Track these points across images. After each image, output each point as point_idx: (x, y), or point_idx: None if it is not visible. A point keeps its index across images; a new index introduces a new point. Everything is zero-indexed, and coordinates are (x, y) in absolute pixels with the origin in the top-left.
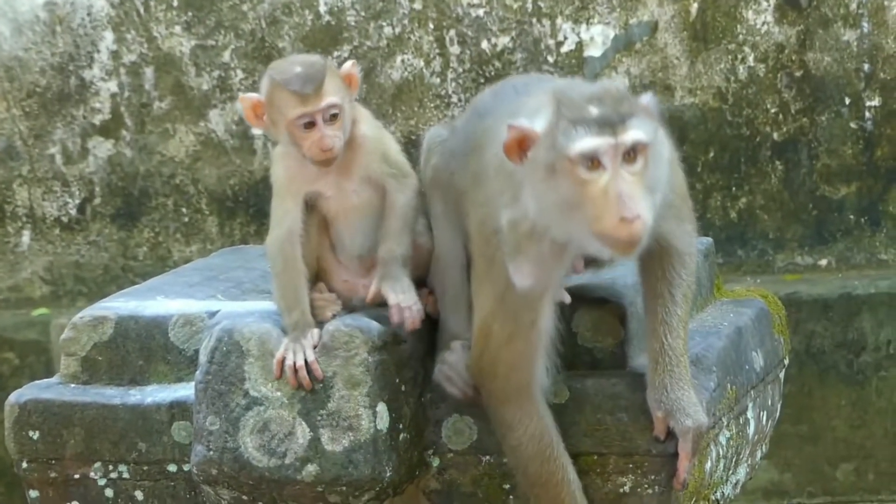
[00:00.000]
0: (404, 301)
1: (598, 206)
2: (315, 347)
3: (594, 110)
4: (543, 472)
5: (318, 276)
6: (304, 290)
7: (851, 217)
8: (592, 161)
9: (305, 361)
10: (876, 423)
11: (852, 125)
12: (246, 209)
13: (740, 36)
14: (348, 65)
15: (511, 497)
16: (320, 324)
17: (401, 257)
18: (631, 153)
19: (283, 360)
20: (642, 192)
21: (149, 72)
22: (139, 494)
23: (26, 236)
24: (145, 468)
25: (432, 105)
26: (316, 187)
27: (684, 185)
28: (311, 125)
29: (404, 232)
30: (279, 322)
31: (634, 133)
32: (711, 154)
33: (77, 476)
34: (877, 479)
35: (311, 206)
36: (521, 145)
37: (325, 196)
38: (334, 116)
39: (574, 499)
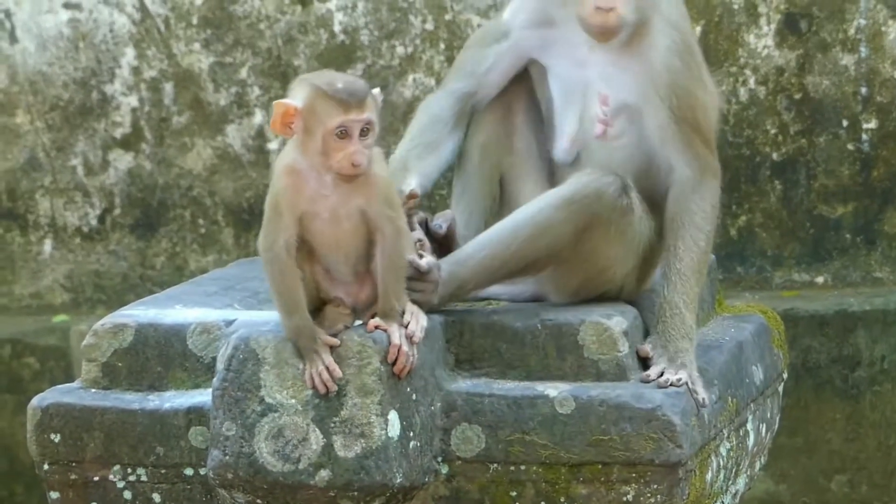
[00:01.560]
0: (405, 346)
1: None
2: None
3: None
4: None
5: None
6: (302, 295)
7: (848, 236)
8: None
9: (326, 366)
10: (870, 436)
11: (849, 147)
12: (261, 221)
13: (742, 59)
14: (375, 91)
15: None
16: (332, 335)
17: (400, 309)
18: None
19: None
20: None
21: (168, 87)
22: (157, 497)
23: (48, 245)
24: (163, 471)
25: None
26: (314, 208)
27: (706, 114)
28: (345, 136)
29: (401, 283)
30: None
31: None
32: None
33: (97, 478)
34: (870, 490)
35: (305, 232)
36: None
37: (321, 217)
38: (367, 133)
39: None
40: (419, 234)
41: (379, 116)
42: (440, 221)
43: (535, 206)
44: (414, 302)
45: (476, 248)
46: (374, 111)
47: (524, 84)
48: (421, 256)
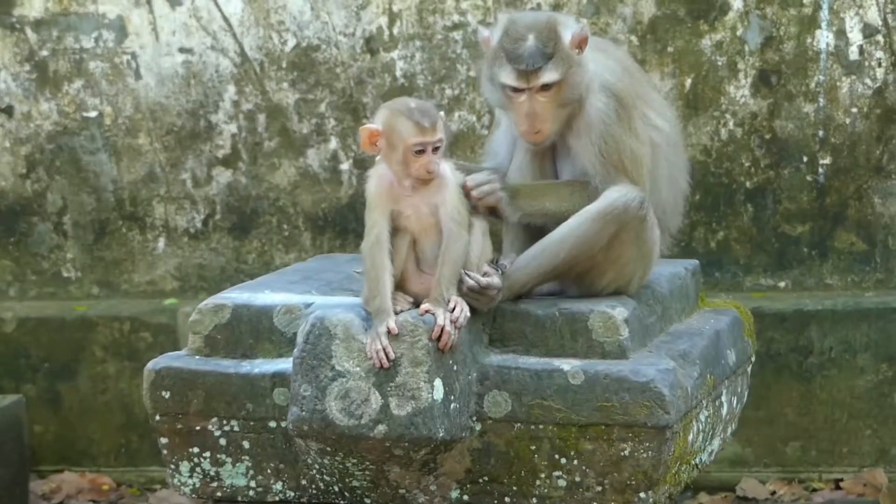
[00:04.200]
0: (447, 326)
1: (517, 116)
2: (390, 332)
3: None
4: None
5: (398, 286)
6: (386, 283)
7: (805, 250)
8: (514, 89)
9: (383, 346)
10: (818, 411)
11: (808, 178)
12: (333, 227)
13: (723, 105)
14: (441, 114)
15: (536, 456)
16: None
17: (447, 297)
18: (544, 87)
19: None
20: (551, 109)
21: (261, 118)
22: (246, 444)
23: (161, 243)
24: (251, 424)
25: (481, 152)
26: (399, 206)
27: (633, 157)
28: (421, 152)
29: (454, 278)
30: (360, 313)
31: (546, 77)
32: (697, 197)
33: (198, 428)
34: (818, 455)
35: (396, 228)
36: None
37: (406, 215)
38: (437, 149)
39: None
40: (487, 267)
41: (447, 132)
42: (505, 262)
43: (576, 220)
44: (471, 308)
45: (531, 257)
46: (443, 131)
47: None
48: (484, 274)
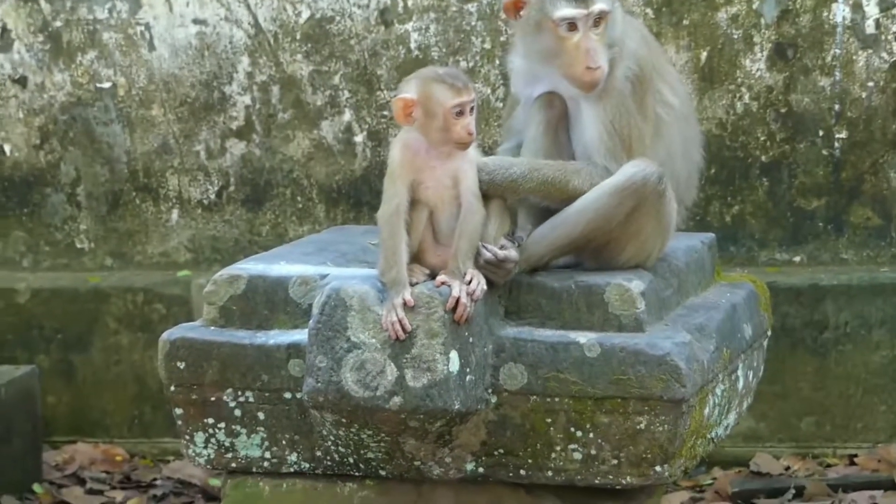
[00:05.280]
0: (463, 297)
1: (571, 57)
2: (406, 304)
3: None
4: None
5: (415, 258)
6: (403, 254)
7: (820, 224)
8: (570, 24)
9: (398, 318)
10: (833, 386)
11: (824, 152)
12: (347, 199)
13: (739, 79)
14: None
15: (552, 429)
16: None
17: (464, 270)
18: (597, 19)
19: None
20: (602, 48)
21: (275, 89)
22: (261, 415)
23: (175, 214)
24: (266, 395)
25: (496, 125)
26: (421, 177)
27: (639, 136)
28: (461, 114)
29: (471, 251)
30: (376, 284)
31: (601, 4)
32: (713, 170)
33: (213, 399)
34: (832, 430)
35: (415, 199)
36: (516, 6)
37: (426, 185)
38: (473, 111)
39: None
40: (503, 240)
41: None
42: (522, 234)
43: (595, 194)
44: (488, 280)
45: (548, 230)
46: (474, 91)
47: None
48: (501, 247)
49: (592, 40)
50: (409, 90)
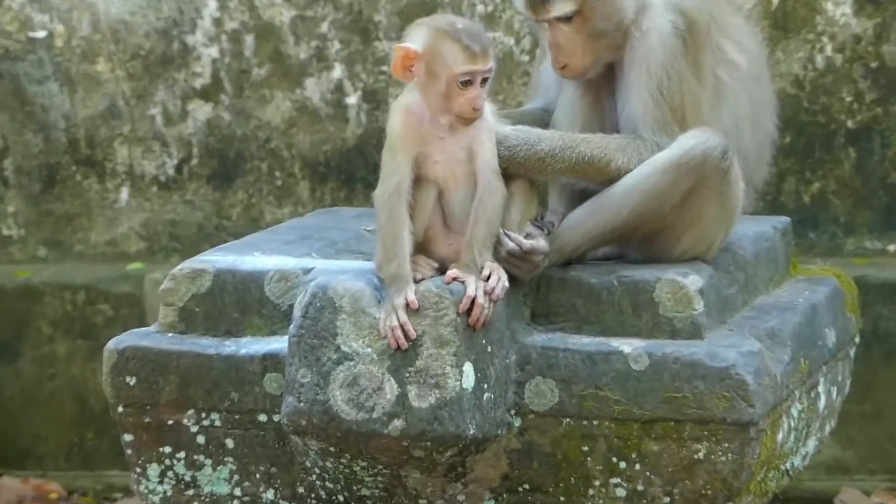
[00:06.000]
0: (479, 297)
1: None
2: (409, 305)
3: None
4: None
5: (420, 248)
6: (405, 243)
7: None
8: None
9: (400, 322)
10: None
11: None
12: (337, 175)
13: (819, 26)
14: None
15: (589, 459)
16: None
17: (480, 263)
18: (562, 18)
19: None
20: (578, 43)
21: (249, 39)
22: (230, 442)
23: (125, 193)
24: (237, 417)
25: (520, 82)
26: (427, 149)
27: (694, 103)
28: (468, 84)
29: (490, 240)
30: (372, 280)
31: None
32: (787, 139)
33: (170, 422)
34: None
35: (420, 175)
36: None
37: (434, 160)
38: (486, 80)
39: None
40: (530, 227)
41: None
42: (552, 219)
43: (644, 171)
44: (510, 276)
45: (587, 213)
46: (494, 59)
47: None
48: (527, 236)
49: (560, 34)
50: (415, 40)
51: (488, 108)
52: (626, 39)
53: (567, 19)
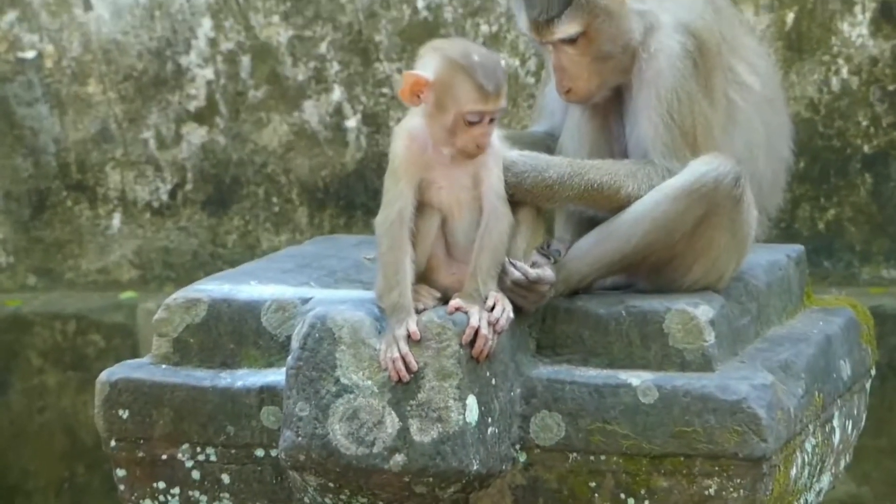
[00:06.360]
0: (483, 328)
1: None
2: (411, 336)
3: None
4: None
5: (422, 277)
6: (407, 272)
7: None
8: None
9: (401, 354)
10: None
11: None
12: (336, 201)
13: (835, 48)
14: (503, 63)
15: (597, 495)
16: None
17: (484, 293)
18: (567, 40)
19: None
20: (583, 65)
21: (245, 60)
22: (225, 478)
23: (117, 219)
24: (233, 452)
25: (525, 105)
26: (431, 175)
27: (705, 126)
28: (477, 122)
29: (495, 269)
30: (372, 311)
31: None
32: (802, 165)
33: (164, 457)
34: None
35: (423, 202)
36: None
37: (438, 186)
38: (495, 119)
39: None
40: (536, 256)
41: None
42: (559, 247)
43: (654, 198)
44: (515, 306)
45: (595, 241)
46: (506, 97)
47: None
48: (533, 265)
49: (565, 57)
50: (427, 67)
51: (495, 134)
52: (634, 62)
53: (572, 41)
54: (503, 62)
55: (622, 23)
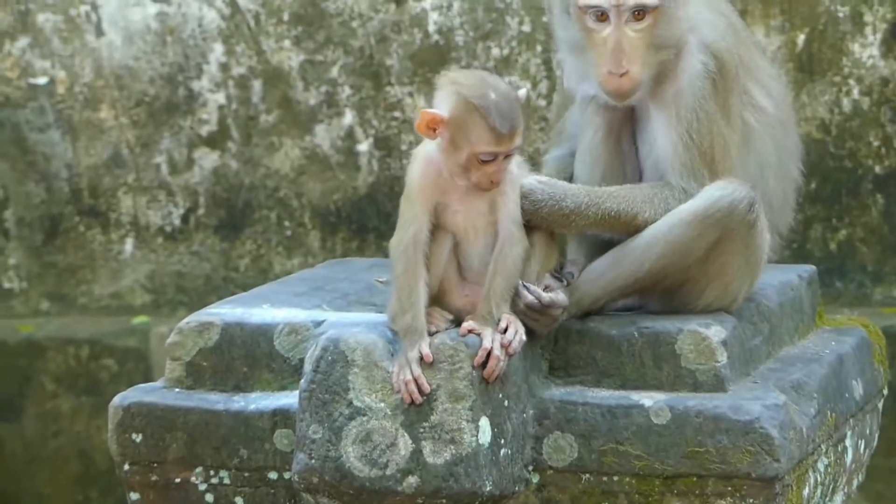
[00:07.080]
0: (496, 350)
1: (597, 55)
2: (423, 358)
3: None
4: None
5: (435, 299)
6: (421, 295)
7: None
8: (599, 14)
9: (414, 376)
10: None
11: None
12: (349, 224)
13: (846, 68)
14: (522, 92)
15: None
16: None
17: (497, 316)
18: (638, 12)
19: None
20: (641, 49)
21: (257, 85)
22: (239, 501)
23: (129, 244)
24: (246, 475)
25: (537, 127)
26: (447, 199)
27: (723, 147)
28: (491, 161)
29: (508, 292)
30: (385, 333)
31: None
32: (813, 185)
33: (178, 480)
34: None
35: (437, 225)
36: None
37: (454, 210)
38: (508, 157)
39: None
40: (549, 279)
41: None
42: (572, 270)
43: (668, 222)
44: (528, 329)
45: (608, 265)
46: (522, 132)
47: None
48: (546, 288)
49: (626, 37)
50: (442, 104)
51: (514, 160)
52: (665, 74)
53: (642, 15)
54: (523, 91)
55: (682, 19)
